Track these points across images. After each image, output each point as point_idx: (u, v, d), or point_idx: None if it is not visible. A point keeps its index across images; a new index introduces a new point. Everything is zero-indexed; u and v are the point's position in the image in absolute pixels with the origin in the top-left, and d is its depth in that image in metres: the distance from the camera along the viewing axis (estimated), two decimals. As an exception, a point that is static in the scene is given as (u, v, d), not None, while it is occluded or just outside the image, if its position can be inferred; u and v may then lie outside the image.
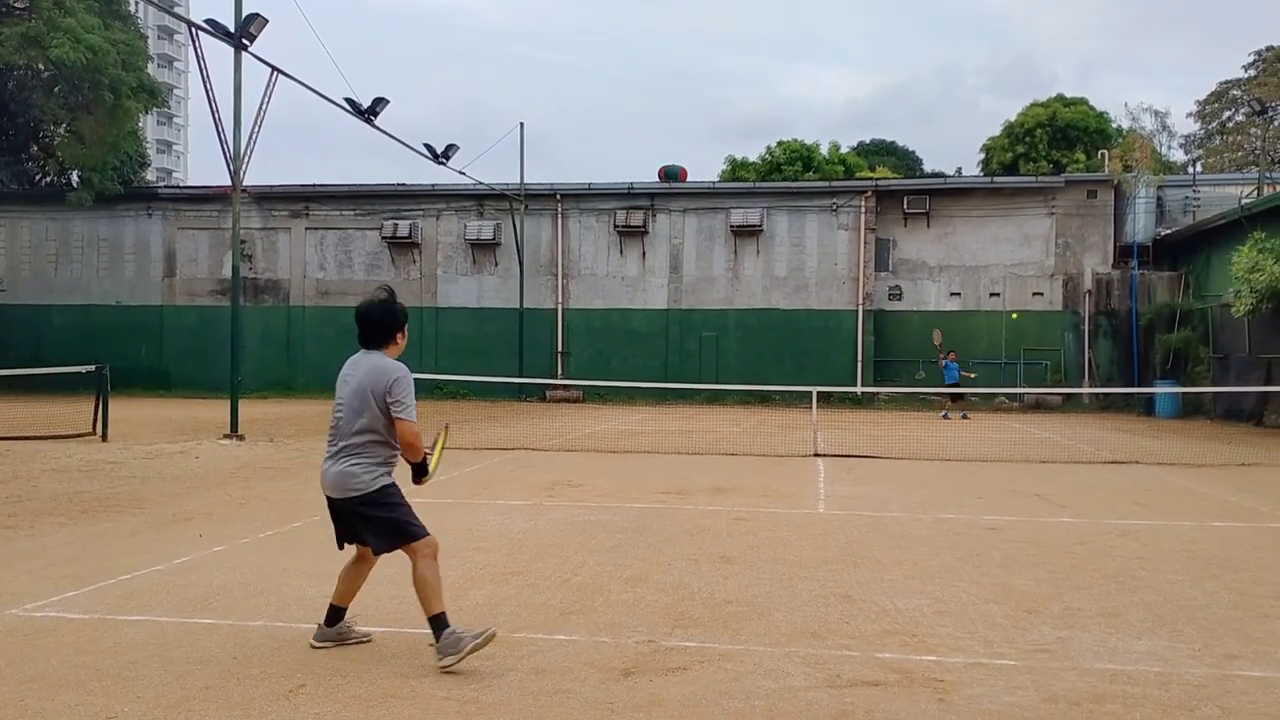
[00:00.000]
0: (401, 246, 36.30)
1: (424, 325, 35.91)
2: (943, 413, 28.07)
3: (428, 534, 5.64)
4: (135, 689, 5.11)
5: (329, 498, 5.73)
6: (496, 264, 36.03)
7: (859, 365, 33.46)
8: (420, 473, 5.79)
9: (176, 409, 27.67)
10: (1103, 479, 14.50)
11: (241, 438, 18.57)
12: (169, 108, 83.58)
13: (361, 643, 5.91)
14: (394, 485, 5.68)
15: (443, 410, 27.70)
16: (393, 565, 8.03)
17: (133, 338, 36.99)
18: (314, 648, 5.80)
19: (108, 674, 5.34)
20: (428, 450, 5.92)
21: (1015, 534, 9.81)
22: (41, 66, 32.19)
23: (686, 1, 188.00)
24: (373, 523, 5.64)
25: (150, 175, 48.24)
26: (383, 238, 36.18)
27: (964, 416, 27.85)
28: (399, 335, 5.79)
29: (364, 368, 5.65)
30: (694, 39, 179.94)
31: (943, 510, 11.18)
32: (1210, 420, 26.78)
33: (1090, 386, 32.07)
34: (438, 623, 5.49)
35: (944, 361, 28.35)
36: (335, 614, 5.90)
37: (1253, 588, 7.59)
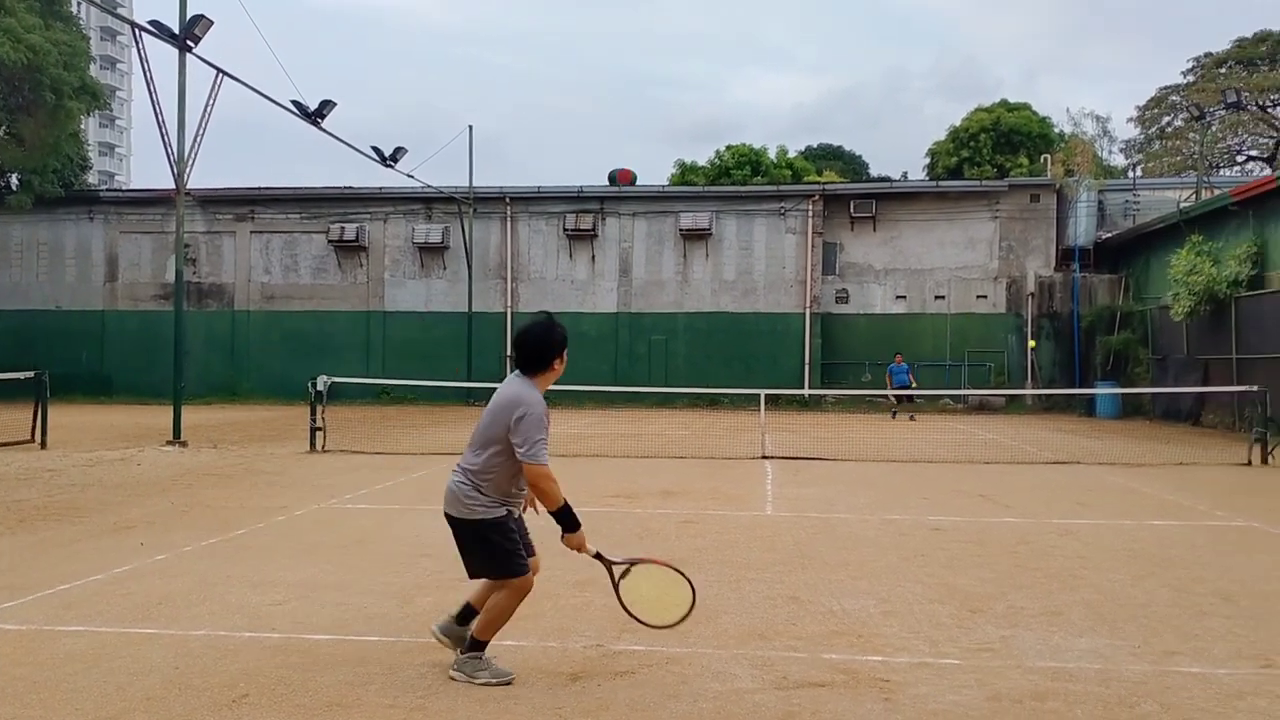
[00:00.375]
0: (348, 250, 36.03)
1: (371, 329, 35.71)
2: (905, 413, 28.79)
3: (524, 573, 5.37)
4: (74, 701, 5.02)
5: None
6: (445, 267, 35.87)
7: (806, 368, 33.69)
8: (566, 525, 5.32)
9: (118, 415, 27.25)
10: (1045, 479, 14.70)
11: (185, 444, 18.32)
12: (111, 110, 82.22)
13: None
14: (498, 522, 5.33)
15: (389, 415, 27.53)
16: (341, 573, 7.98)
17: (74, 343, 36.36)
18: (433, 633, 5.64)
19: (45, 686, 5.24)
20: (611, 560, 5.52)
21: (960, 534, 9.91)
22: (-21, 67, 31.58)
23: (635, 6, 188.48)
24: (466, 549, 5.44)
25: (92, 178, 47.44)
26: (329, 241, 35.89)
27: (911, 418, 28.24)
28: (556, 361, 5.43)
29: (505, 395, 5.35)
30: (643, 43, 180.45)
31: (889, 511, 11.28)
32: (1149, 420, 27.24)
33: (1033, 388, 32.50)
34: (476, 644, 5.37)
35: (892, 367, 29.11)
36: (469, 613, 5.59)
37: (1191, 585, 7.73)
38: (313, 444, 17.72)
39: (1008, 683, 5.38)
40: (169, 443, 18.39)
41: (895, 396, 28.99)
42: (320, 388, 18.07)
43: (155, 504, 11.66)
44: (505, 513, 5.37)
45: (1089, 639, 6.22)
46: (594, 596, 7.20)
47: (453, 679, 5.34)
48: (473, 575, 5.50)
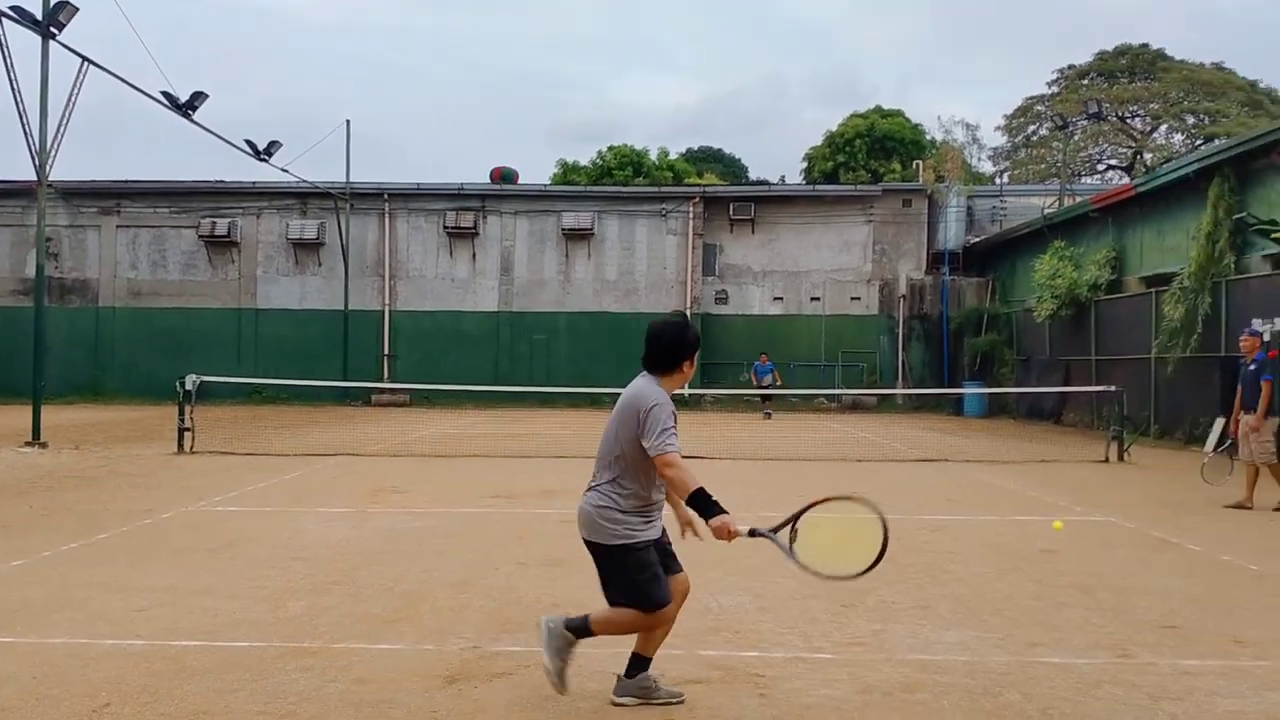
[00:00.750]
0: (219, 245, 35.09)
1: (243, 327, 34.84)
2: (765, 412, 29.48)
3: (666, 603, 4.96)
4: (-79, 715, 4.79)
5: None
6: (320, 264, 35.19)
7: (686, 368, 33.93)
8: (706, 511, 4.75)
9: (-28, 415, 26.06)
10: (915, 476, 15.08)
11: (45, 445, 17.63)
12: (-36, 96, 78.72)
13: (670, 703, 5.05)
14: (635, 549, 4.90)
15: (261, 415, 26.91)
16: (209, 577, 7.77)
17: (-76, 340, 34.69)
18: (614, 704, 5.04)
19: (-110, 700, 4.98)
20: (763, 532, 4.88)
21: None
22: None
23: (516, 4, 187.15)
24: (604, 575, 5.02)
25: (-57, 167, 45.33)
26: (200, 236, 34.92)
27: (767, 415, 29.07)
28: (686, 364, 5.20)
29: (629, 393, 5.13)
30: (524, 41, 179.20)
31: (765, 509, 11.38)
32: (1014, 419, 28.17)
33: (904, 388, 33.32)
34: (583, 629, 5.01)
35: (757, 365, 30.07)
36: (638, 663, 5.12)
37: (1053, 578, 8.01)
38: (181, 445, 17.22)
39: (879, 675, 5.51)
40: (28, 444, 17.68)
41: (761, 396, 30.03)
42: (189, 387, 17.57)
43: (12, 507, 11.19)
44: (645, 539, 4.95)
45: (956, 632, 6.40)
46: (472, 598, 7.15)
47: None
48: (611, 604, 5.01)
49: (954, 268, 34.31)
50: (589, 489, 5.06)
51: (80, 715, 4.81)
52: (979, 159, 46.60)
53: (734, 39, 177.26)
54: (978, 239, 34.67)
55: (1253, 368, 11.96)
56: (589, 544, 5.01)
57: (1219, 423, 18.66)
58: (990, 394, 29.21)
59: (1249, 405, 11.90)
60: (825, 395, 32.99)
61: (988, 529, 10.41)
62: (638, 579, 4.91)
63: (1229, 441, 12.73)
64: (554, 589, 7.47)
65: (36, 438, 17.86)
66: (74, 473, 14.49)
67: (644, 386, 5.12)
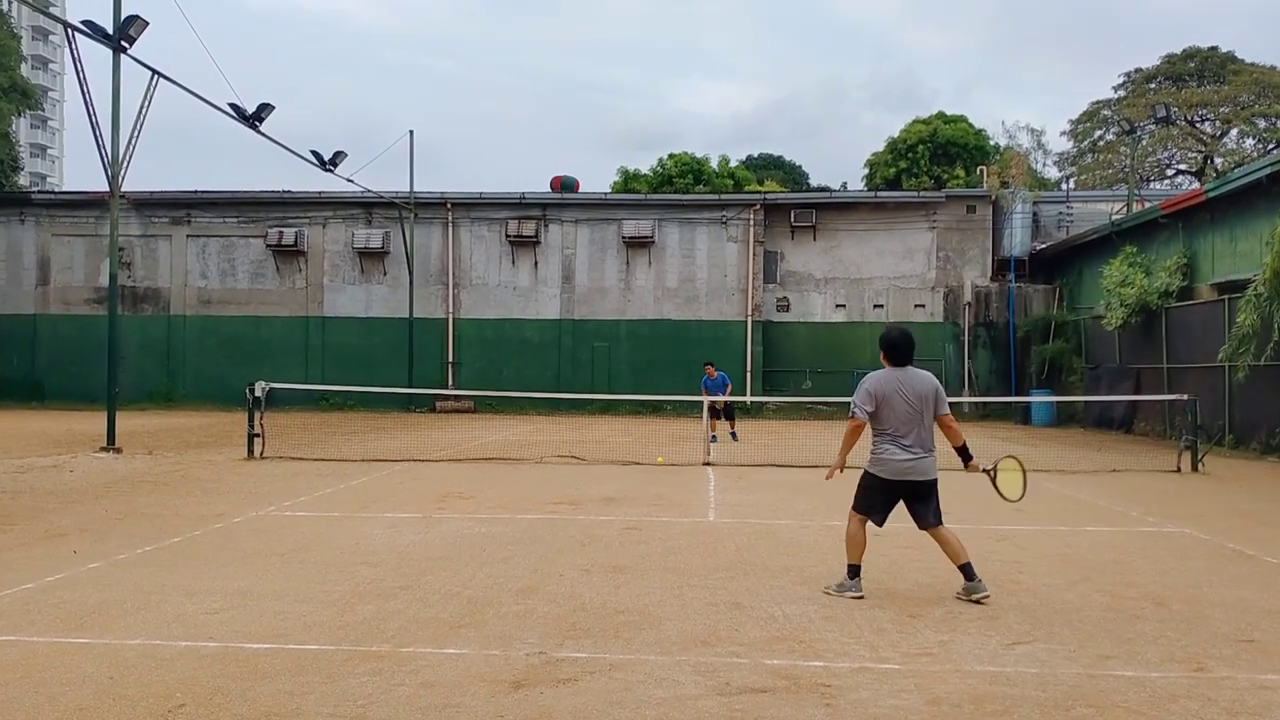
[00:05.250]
0: (287, 254, 35.63)
1: (310, 335, 35.34)
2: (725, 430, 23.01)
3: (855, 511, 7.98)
4: (4, 712, 4.91)
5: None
6: (385, 273, 35.61)
7: (748, 375, 33.88)
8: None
9: (50, 421, 26.70)
10: (981, 485, 14.83)
11: (119, 450, 18.01)
12: (43, 110, 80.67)
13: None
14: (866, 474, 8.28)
15: (328, 422, 27.24)
16: (279, 581, 7.88)
17: (3, 348, 35.70)
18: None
19: (-26, 698, 5.11)
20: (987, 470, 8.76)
21: (898, 540, 9.99)
22: (-96, 64, 30.87)
23: (574, 13, 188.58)
24: (935, 503, 8.06)
25: (23, 180, 46.50)
26: (267, 245, 35.49)
27: (713, 437, 20.26)
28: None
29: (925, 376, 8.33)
30: (583, 50, 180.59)
31: (829, 517, 11.34)
32: (1083, 428, 27.71)
33: (970, 396, 32.91)
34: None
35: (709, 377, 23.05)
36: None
37: (1124, 590, 7.87)
38: (251, 450, 17.50)
39: (947, 687, 5.44)
40: (103, 449, 18.06)
41: (715, 416, 21.48)
42: (259, 394, 17.85)
43: (88, 511, 11.44)
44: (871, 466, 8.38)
45: (1025, 643, 6.31)
46: (537, 604, 7.18)
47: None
48: (928, 525, 7.85)
49: (1020, 274, 33.88)
50: (928, 450, 8.15)
51: (155, 716, 4.90)
52: (1044, 164, 45.97)
53: (788, 45, 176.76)
54: (1044, 245, 34.21)
55: None
56: (926, 483, 7.99)
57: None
58: (1059, 403, 28.78)
59: None
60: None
61: (1056, 539, 10.26)
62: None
63: None
64: (618, 595, 7.48)
65: (111, 443, 18.25)
66: (147, 477, 14.78)
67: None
